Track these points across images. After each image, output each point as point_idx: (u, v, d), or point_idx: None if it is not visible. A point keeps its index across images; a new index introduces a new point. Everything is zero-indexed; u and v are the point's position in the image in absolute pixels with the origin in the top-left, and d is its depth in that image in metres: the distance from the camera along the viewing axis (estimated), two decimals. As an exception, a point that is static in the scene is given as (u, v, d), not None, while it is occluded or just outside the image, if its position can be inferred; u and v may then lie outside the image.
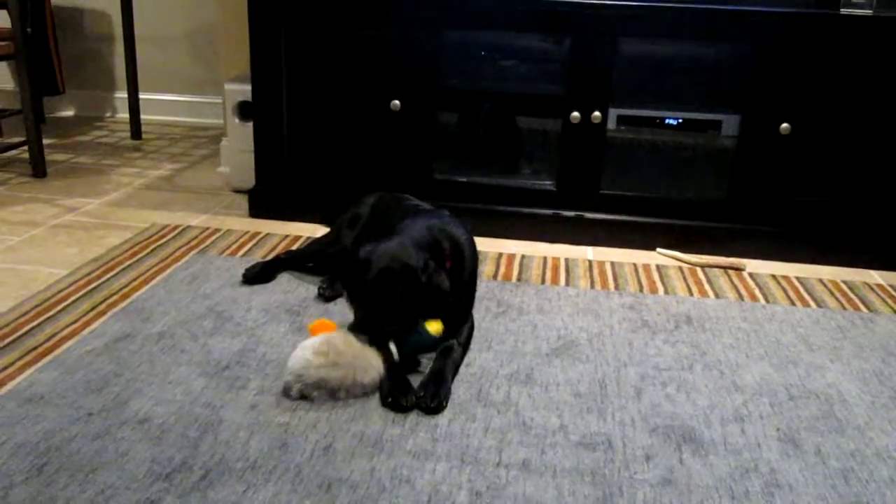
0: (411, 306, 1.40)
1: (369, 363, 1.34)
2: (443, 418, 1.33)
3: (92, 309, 1.69)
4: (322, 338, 1.35)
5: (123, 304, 1.71)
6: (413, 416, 1.32)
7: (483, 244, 2.17)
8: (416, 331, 1.39)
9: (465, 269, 1.55)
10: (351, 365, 1.32)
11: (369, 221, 1.82)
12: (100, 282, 1.83)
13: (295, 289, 1.83)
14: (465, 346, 1.54)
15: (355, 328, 1.40)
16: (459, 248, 1.55)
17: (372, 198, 1.89)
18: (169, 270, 1.90)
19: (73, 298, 1.73)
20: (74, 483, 1.13)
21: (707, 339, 1.67)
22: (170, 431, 1.26)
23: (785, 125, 2.06)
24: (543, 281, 1.96)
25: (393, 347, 1.36)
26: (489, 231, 2.24)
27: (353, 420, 1.31)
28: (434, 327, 1.40)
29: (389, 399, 1.32)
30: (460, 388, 1.42)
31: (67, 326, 1.60)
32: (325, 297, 1.76)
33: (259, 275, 1.85)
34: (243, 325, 1.64)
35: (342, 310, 1.73)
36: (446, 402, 1.35)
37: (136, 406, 1.32)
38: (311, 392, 1.32)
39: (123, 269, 1.91)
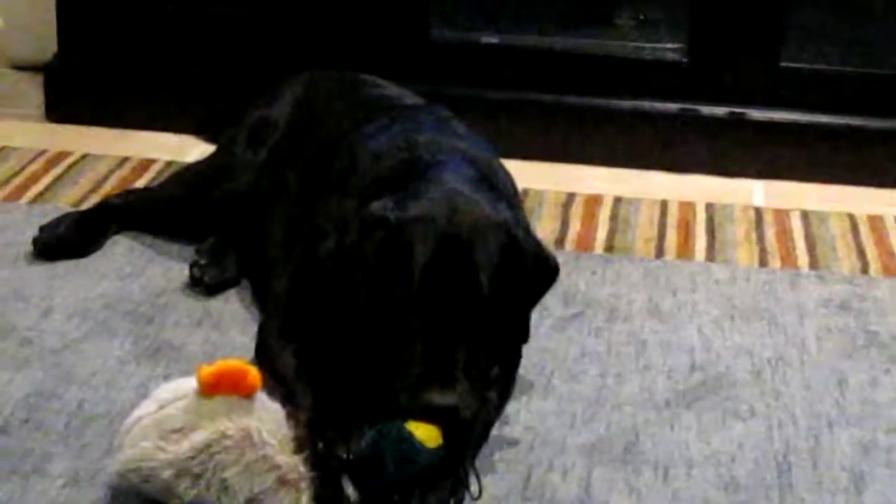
0: (504, 309, 1.45)
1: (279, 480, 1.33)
2: (451, 538, 1.31)
3: None
4: (184, 414, 1.34)
5: None
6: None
7: (536, 175, 2.17)
8: (396, 436, 1.36)
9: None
10: (233, 487, 1.31)
11: (291, 132, 1.86)
12: None
13: (142, 268, 1.83)
14: (506, 391, 1.56)
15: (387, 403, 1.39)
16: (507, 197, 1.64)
17: (296, 85, 1.97)
18: None
19: None
20: None
21: None
22: None
23: None
24: (660, 251, 2.02)
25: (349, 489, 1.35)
26: (548, 148, 2.24)
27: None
28: (426, 433, 1.37)
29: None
30: (486, 474, 1.41)
31: None
32: (205, 282, 1.80)
33: (68, 240, 1.87)
34: (35, 342, 1.66)
35: (239, 310, 1.76)
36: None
37: None
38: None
39: None
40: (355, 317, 1.46)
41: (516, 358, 1.59)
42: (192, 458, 1.29)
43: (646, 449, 1.48)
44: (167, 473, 1.29)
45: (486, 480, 1.39)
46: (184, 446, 1.30)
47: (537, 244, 1.54)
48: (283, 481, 1.32)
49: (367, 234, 1.44)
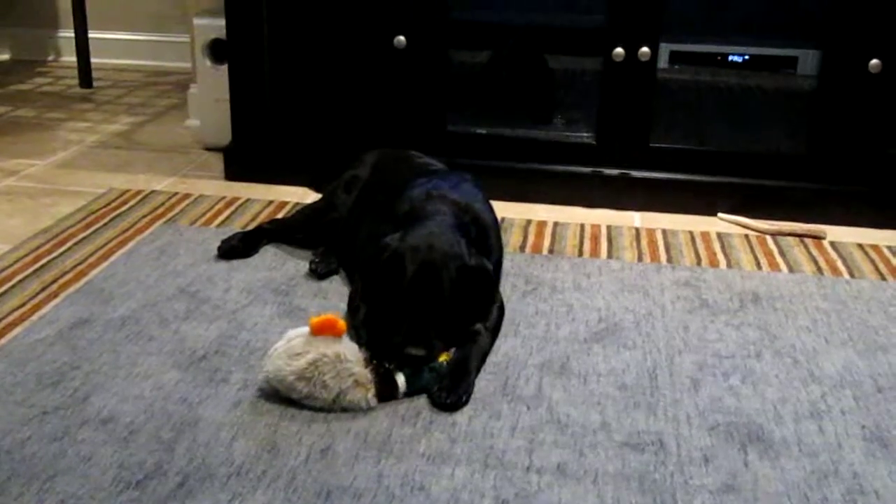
0: (459, 304, 1.46)
1: (357, 395, 1.36)
2: (462, 416, 1.36)
3: (42, 290, 1.71)
4: (302, 344, 1.36)
5: (79, 285, 1.74)
6: (427, 413, 1.36)
7: (508, 209, 2.20)
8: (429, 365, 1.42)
9: (491, 255, 1.63)
10: (330, 397, 1.35)
11: (369, 184, 1.87)
12: (50, 258, 1.85)
13: (282, 264, 1.87)
14: (495, 332, 1.58)
15: (380, 349, 1.42)
16: (485, 233, 1.64)
17: (372, 156, 1.94)
18: (131, 244, 1.93)
19: (18, 278, 1.76)
20: (30, 492, 1.16)
21: (778, 320, 1.69)
22: (139, 432, 1.29)
23: (875, 62, 2.03)
24: (581, 253, 1.99)
25: (401, 380, 1.39)
26: (515, 193, 2.25)
27: (355, 418, 1.34)
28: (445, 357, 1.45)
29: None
30: (482, 381, 1.46)
31: (13, 311, 1.63)
32: (318, 273, 1.81)
33: (238, 248, 1.89)
34: (221, 307, 1.68)
35: (338, 288, 1.79)
36: (467, 399, 1.39)
37: (99, 403, 1.35)
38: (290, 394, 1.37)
39: (77, 243, 1.93)
40: (374, 301, 1.51)
41: (501, 315, 1.63)
42: (306, 368, 1.34)
43: (573, 367, 1.51)
44: (291, 378, 1.34)
45: (480, 385, 1.44)
46: (301, 362, 1.35)
47: (480, 262, 1.52)
48: (358, 382, 1.36)
49: (380, 256, 1.49)
